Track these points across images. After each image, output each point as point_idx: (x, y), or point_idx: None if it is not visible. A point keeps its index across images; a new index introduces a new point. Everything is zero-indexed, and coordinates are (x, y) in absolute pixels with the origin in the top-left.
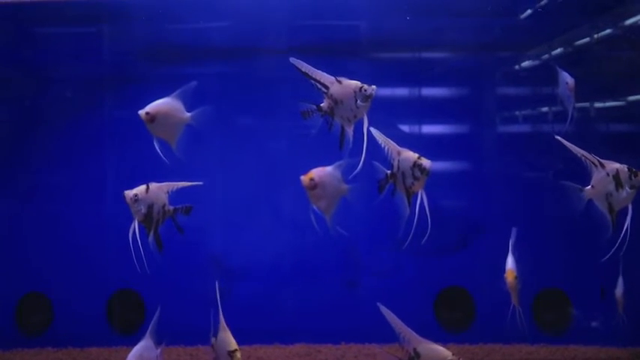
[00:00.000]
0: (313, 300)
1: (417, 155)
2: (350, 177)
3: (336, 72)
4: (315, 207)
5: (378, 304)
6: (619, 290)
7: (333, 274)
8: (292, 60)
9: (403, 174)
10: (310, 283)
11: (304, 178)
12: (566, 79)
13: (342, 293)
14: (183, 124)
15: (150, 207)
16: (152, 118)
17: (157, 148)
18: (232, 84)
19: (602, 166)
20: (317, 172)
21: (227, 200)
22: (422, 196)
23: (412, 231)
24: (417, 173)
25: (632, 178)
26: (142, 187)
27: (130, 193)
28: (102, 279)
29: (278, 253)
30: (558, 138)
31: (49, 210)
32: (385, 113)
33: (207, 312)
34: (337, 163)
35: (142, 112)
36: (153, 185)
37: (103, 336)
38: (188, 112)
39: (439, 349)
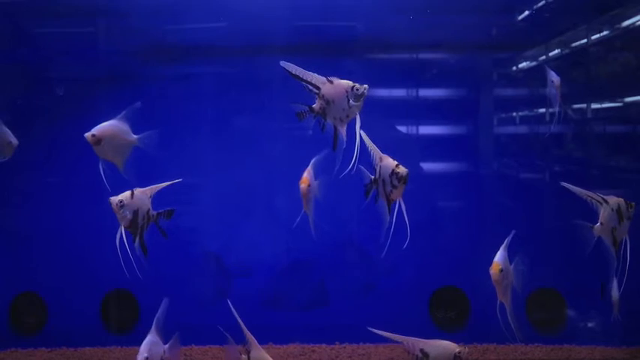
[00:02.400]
0: (307, 299)
1: (395, 163)
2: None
3: (333, 72)
4: (307, 211)
5: (369, 328)
6: (615, 292)
7: (327, 273)
8: (282, 63)
9: (384, 181)
10: (305, 283)
11: (303, 185)
12: (552, 77)
13: (336, 292)
14: (131, 147)
15: (135, 212)
16: (98, 140)
17: (101, 170)
18: (229, 83)
19: (607, 202)
20: (310, 176)
21: (221, 199)
22: (400, 205)
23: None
24: (395, 181)
25: (629, 209)
26: (127, 193)
27: (115, 200)
28: (96, 279)
29: (273, 253)
30: (565, 184)
31: (43, 209)
32: (381, 113)
33: (202, 311)
34: (312, 162)
35: (87, 135)
36: (137, 190)
37: (97, 336)
38: (135, 134)
39: (445, 343)
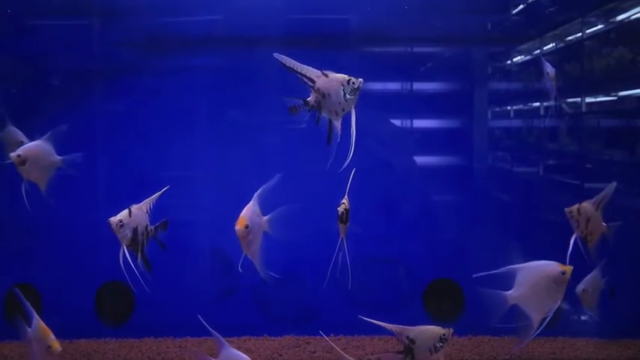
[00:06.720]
0: (302, 293)
1: (342, 202)
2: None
3: (329, 66)
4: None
5: (360, 316)
6: (580, 287)
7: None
8: (276, 55)
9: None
10: (299, 277)
11: (239, 227)
12: (547, 68)
13: (330, 286)
14: (54, 168)
15: (135, 230)
16: (23, 160)
17: (23, 191)
18: (226, 77)
19: None
20: (247, 215)
21: (217, 194)
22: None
23: None
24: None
25: None
26: (125, 212)
27: (115, 220)
28: (91, 270)
29: (268, 247)
30: None
31: (39, 202)
32: (375, 107)
33: (197, 305)
34: (255, 195)
35: (13, 155)
36: (134, 207)
37: (92, 328)
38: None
39: (430, 328)
